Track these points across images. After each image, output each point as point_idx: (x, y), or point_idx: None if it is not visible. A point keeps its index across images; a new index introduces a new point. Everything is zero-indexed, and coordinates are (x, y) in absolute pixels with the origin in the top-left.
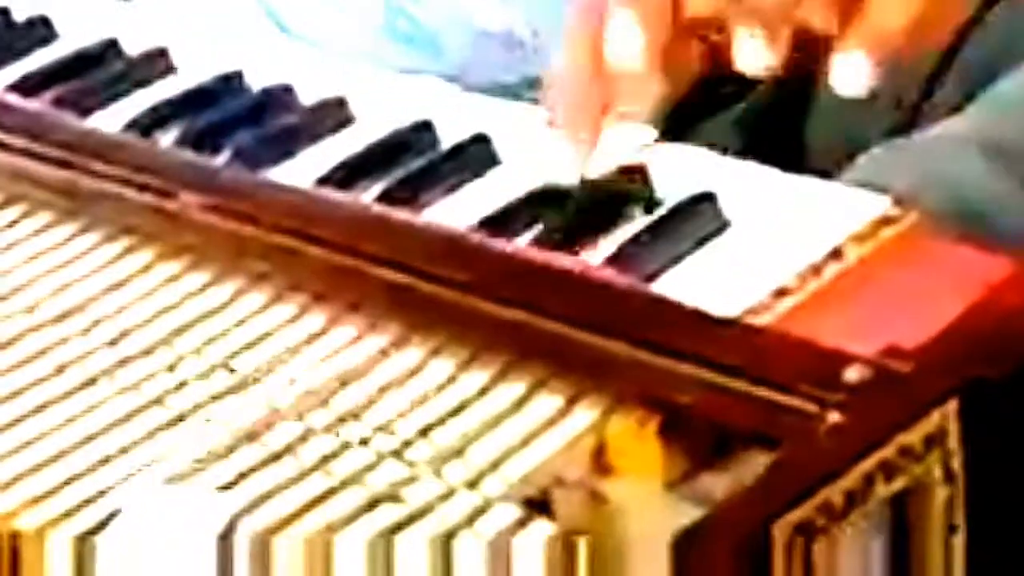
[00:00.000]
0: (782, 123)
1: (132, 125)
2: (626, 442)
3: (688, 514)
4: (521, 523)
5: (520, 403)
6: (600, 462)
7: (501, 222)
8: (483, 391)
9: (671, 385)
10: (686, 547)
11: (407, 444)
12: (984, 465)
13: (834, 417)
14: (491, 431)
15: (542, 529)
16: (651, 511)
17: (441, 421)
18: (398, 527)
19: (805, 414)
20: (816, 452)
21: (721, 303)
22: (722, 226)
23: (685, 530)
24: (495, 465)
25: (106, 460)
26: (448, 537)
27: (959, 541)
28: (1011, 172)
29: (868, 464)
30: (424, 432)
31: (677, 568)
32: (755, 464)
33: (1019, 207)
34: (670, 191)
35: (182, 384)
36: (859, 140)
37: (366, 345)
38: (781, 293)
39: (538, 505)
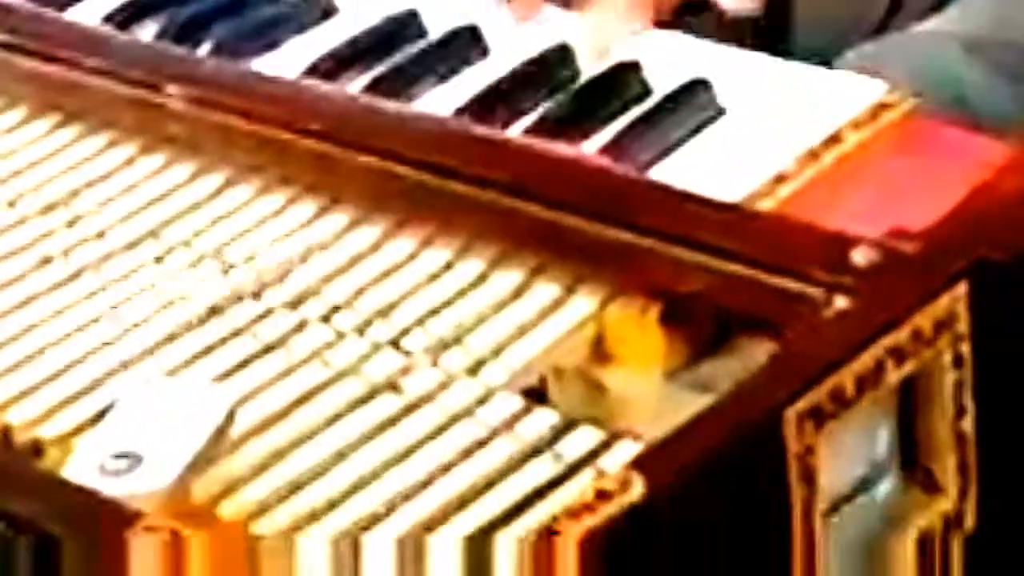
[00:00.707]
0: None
1: (109, 19)
2: (626, 330)
3: (691, 403)
4: (522, 413)
5: (518, 291)
6: (600, 351)
7: (489, 104)
8: (480, 279)
9: (672, 272)
10: (689, 437)
11: (404, 333)
12: (993, 349)
13: (841, 301)
14: (489, 320)
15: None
16: (652, 400)
17: (438, 310)
18: (397, 418)
19: (811, 299)
20: (823, 338)
21: (720, 189)
22: (717, 113)
23: (688, 421)
24: (495, 353)
25: (95, 353)
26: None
27: (968, 424)
28: (990, 64)
29: (878, 348)
30: (420, 321)
31: (682, 456)
32: (760, 351)
33: (999, 96)
34: (664, 80)
35: (170, 276)
36: (843, 41)
37: (358, 236)
38: (781, 179)
39: (536, 394)
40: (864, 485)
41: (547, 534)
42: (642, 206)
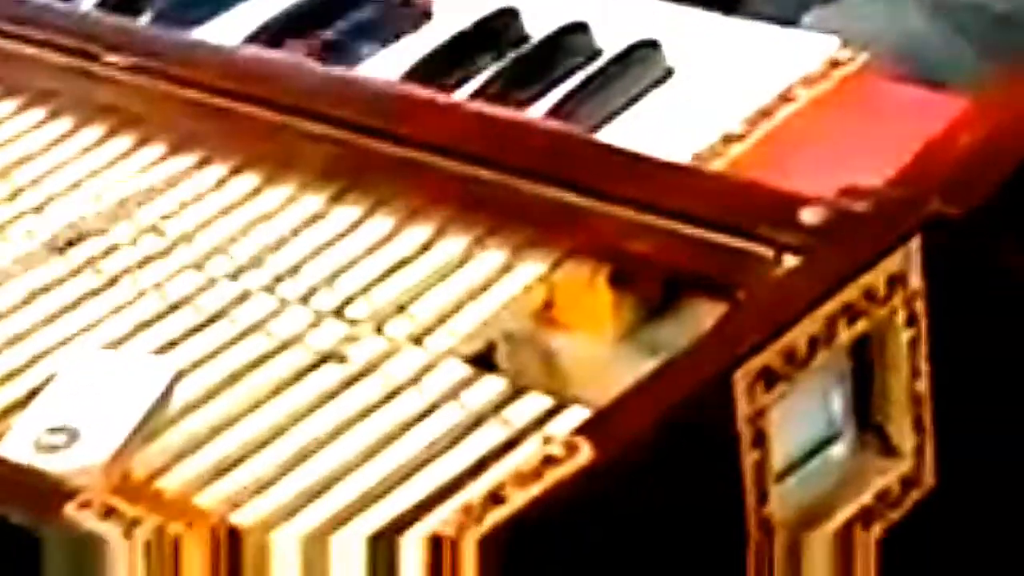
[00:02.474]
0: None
1: None
2: (575, 294)
3: (642, 366)
4: (469, 381)
5: (464, 258)
6: (548, 315)
7: (435, 69)
8: (426, 246)
9: (621, 234)
10: (637, 401)
11: (348, 302)
12: (947, 306)
13: (792, 260)
14: (434, 286)
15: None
16: (603, 364)
17: (382, 278)
18: (341, 388)
19: (761, 259)
20: (773, 297)
21: (669, 150)
22: (666, 73)
23: (635, 384)
24: (440, 321)
25: (38, 327)
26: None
27: (923, 384)
28: (953, 26)
29: (830, 307)
30: (365, 290)
31: (631, 420)
32: (711, 312)
33: (959, 57)
34: (612, 41)
35: (111, 249)
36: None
37: (303, 204)
38: (731, 138)
39: (485, 361)
40: (818, 447)
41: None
42: (590, 168)
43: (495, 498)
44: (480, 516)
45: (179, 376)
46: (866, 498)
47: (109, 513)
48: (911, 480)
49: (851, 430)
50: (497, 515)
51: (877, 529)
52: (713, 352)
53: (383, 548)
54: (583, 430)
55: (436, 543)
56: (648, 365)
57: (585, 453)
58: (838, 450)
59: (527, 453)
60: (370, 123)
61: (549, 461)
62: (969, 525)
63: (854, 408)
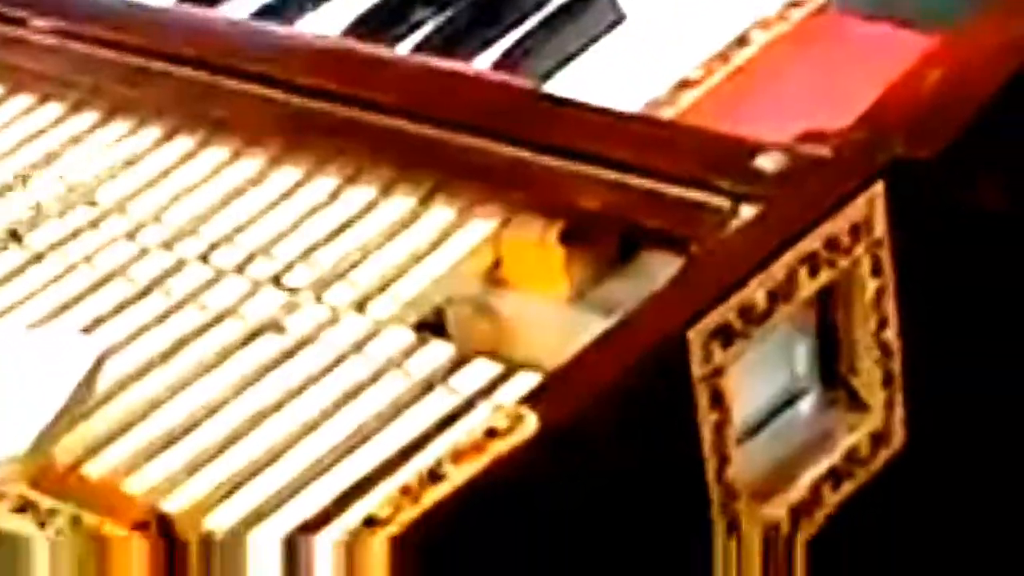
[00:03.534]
0: None
1: None
2: (525, 253)
3: (597, 327)
4: (414, 348)
5: (409, 219)
6: (498, 276)
7: (376, 23)
8: (368, 208)
9: (571, 189)
10: (585, 366)
11: (287, 269)
12: (915, 253)
13: (749, 210)
14: (378, 250)
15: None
16: (555, 326)
17: (323, 243)
18: (280, 360)
19: (717, 210)
20: (731, 249)
21: (621, 99)
22: (618, 19)
23: (583, 349)
24: (383, 286)
25: None
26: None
27: (892, 334)
28: None
29: (790, 259)
30: (305, 256)
31: (578, 387)
32: (668, 267)
33: None
34: None
35: (38, 220)
36: None
37: (240, 168)
38: (684, 85)
39: (431, 327)
40: (783, 405)
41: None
42: (539, 121)
43: (433, 476)
44: (418, 495)
45: (106, 355)
46: (835, 457)
47: (25, 507)
48: (881, 436)
49: (817, 386)
50: (436, 493)
51: (845, 489)
52: (666, 312)
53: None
54: (528, 399)
55: (370, 523)
56: (603, 325)
57: (530, 424)
58: (804, 407)
59: (476, 422)
60: (310, 81)
61: (492, 434)
62: (942, 483)
63: (819, 363)
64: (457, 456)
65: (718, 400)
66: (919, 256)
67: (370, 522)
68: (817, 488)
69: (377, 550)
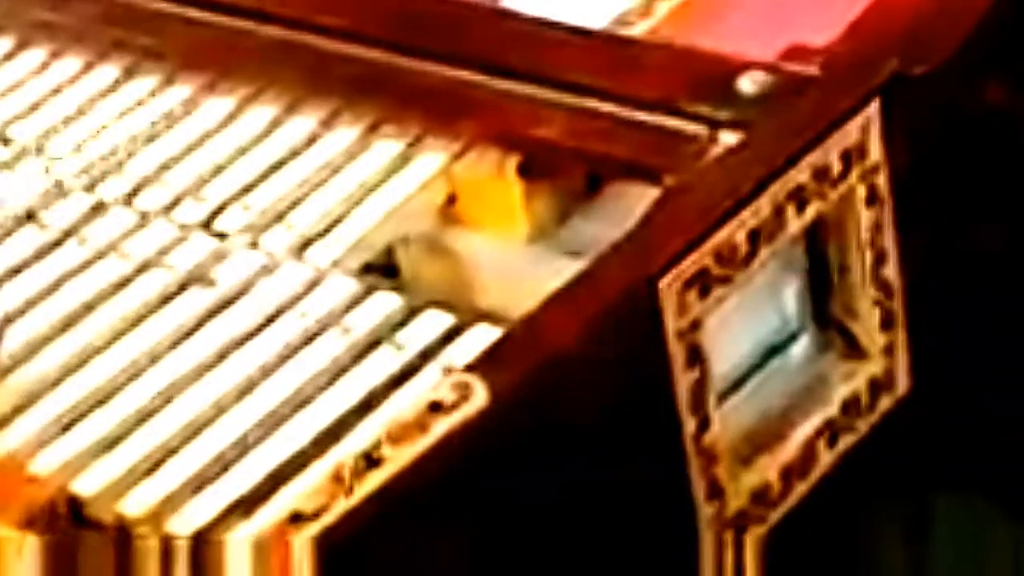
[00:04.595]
0: None
1: None
2: (481, 189)
3: (561, 269)
4: (357, 299)
5: (353, 152)
6: (452, 214)
7: None
8: (309, 141)
9: (530, 116)
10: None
11: (218, 212)
12: (915, 178)
13: (728, 138)
14: (319, 188)
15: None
16: (516, 269)
17: (259, 182)
18: (209, 315)
19: (693, 138)
20: (708, 183)
21: (583, 14)
22: None
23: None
24: (325, 229)
25: None
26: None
27: (891, 271)
28: None
29: (775, 192)
30: (237, 196)
31: (533, 352)
32: (639, 202)
33: None
34: None
35: None
36: None
37: (168, 98)
38: None
39: (381, 269)
40: (770, 353)
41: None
42: (492, 41)
43: (370, 460)
44: (351, 485)
45: (8, 320)
46: (831, 409)
47: None
48: (882, 384)
49: (809, 331)
50: (372, 481)
51: (843, 444)
52: (633, 258)
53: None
54: (477, 366)
55: (295, 519)
56: (568, 266)
57: (479, 395)
58: (794, 354)
59: (421, 389)
60: (244, 2)
61: (436, 408)
62: (951, 434)
63: (811, 305)
64: (396, 436)
65: (696, 357)
66: (920, 183)
67: (295, 518)
68: (811, 445)
69: (300, 551)
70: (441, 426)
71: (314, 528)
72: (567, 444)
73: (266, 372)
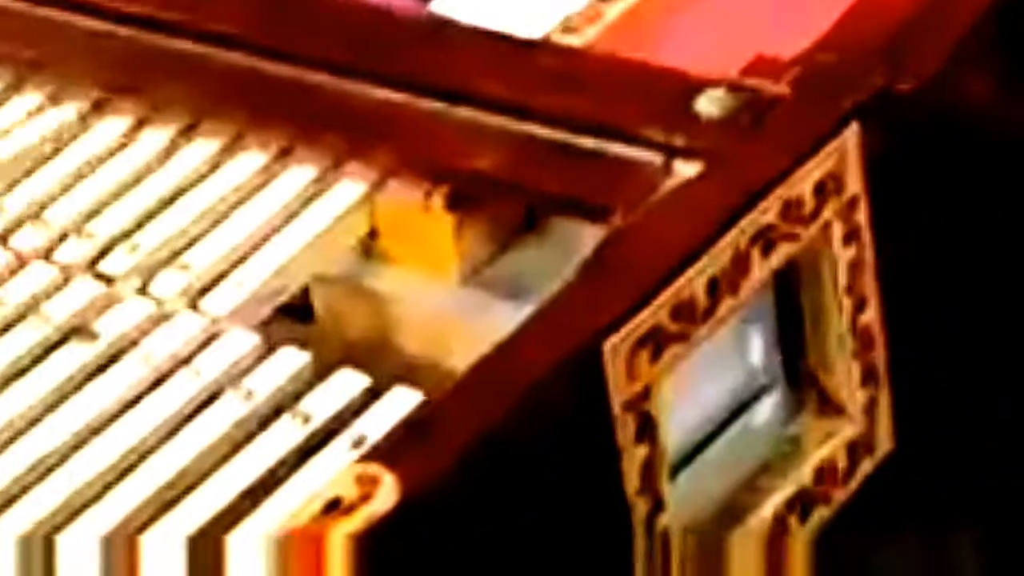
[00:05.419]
0: None
1: None
2: (406, 222)
3: (494, 313)
4: (259, 355)
5: (261, 180)
6: (373, 249)
7: None
8: (210, 168)
9: (460, 142)
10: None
11: (105, 252)
12: (901, 213)
13: (685, 168)
14: (221, 222)
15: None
16: (446, 312)
17: (153, 214)
18: (87, 375)
19: (644, 168)
20: (662, 223)
21: (526, 19)
22: None
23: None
24: (225, 271)
25: None
26: None
27: (872, 317)
28: None
29: (737, 233)
30: (128, 233)
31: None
32: (581, 238)
33: None
34: None
35: None
36: None
37: (52, 117)
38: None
39: (295, 312)
40: (735, 413)
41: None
42: (418, 55)
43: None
44: None
45: None
46: (803, 476)
47: None
48: (862, 446)
49: (778, 388)
50: None
51: (817, 518)
52: (573, 315)
53: None
54: (385, 454)
55: None
56: (504, 309)
57: (386, 492)
58: (761, 415)
59: (332, 462)
60: (139, 11)
61: (333, 508)
62: (935, 498)
63: (781, 359)
64: (278, 547)
65: (646, 429)
66: (905, 218)
67: None
68: (781, 520)
69: None
70: (337, 533)
71: None
72: (495, 546)
73: (151, 444)
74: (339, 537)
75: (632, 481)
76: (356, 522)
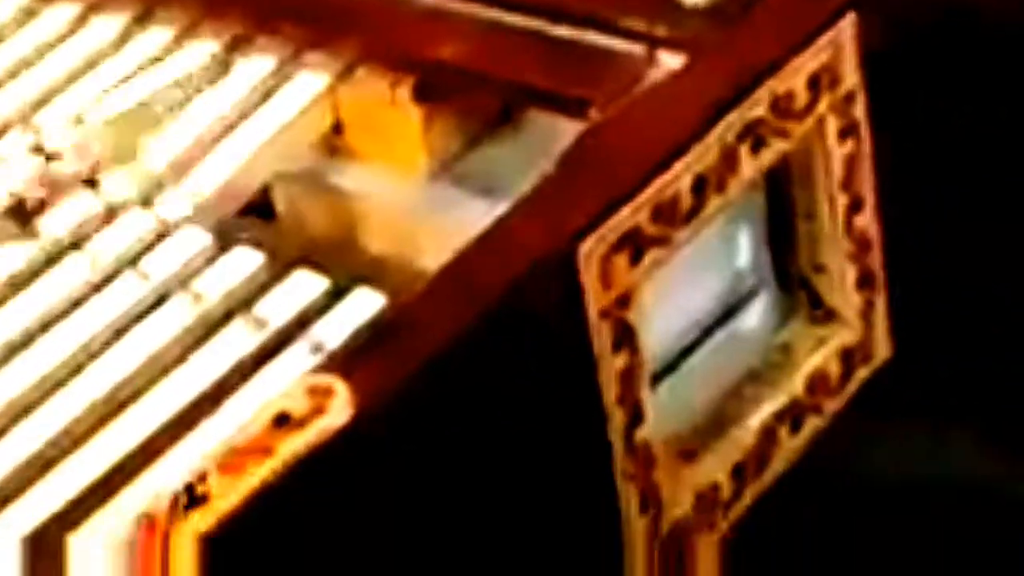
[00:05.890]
0: None
1: None
2: (372, 114)
3: (464, 209)
4: (210, 256)
5: (217, 70)
6: (337, 144)
7: None
8: (163, 55)
9: (428, 31)
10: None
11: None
12: (900, 107)
13: (669, 60)
14: (175, 113)
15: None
16: (413, 210)
17: (99, 103)
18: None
19: (626, 60)
20: (644, 116)
21: None
22: None
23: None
24: (180, 167)
25: None
26: None
27: (868, 218)
28: None
29: (725, 128)
30: (75, 122)
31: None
32: (555, 138)
33: None
34: None
35: None
36: None
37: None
38: None
39: (255, 212)
40: (722, 318)
41: (186, 499)
42: None
43: (192, 498)
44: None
45: None
46: (794, 385)
47: None
48: (857, 353)
49: (767, 291)
50: (188, 531)
51: (810, 429)
52: (547, 215)
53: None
54: (340, 362)
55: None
56: (474, 207)
57: (339, 405)
58: (749, 321)
59: (287, 371)
60: None
61: (282, 423)
62: (935, 407)
63: (771, 261)
64: (229, 464)
65: (624, 337)
66: (904, 113)
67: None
68: (770, 433)
69: None
70: (288, 448)
71: None
72: (461, 465)
73: (95, 349)
74: (285, 454)
75: (610, 392)
76: (308, 436)
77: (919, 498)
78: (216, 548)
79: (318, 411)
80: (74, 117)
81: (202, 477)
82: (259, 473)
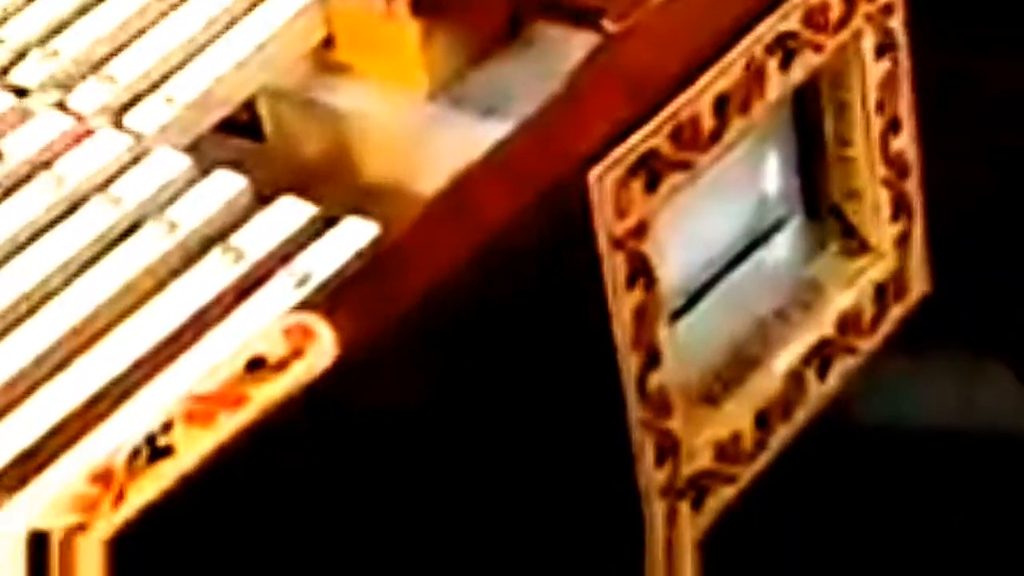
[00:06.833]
0: None
1: None
2: (366, 28)
3: (467, 130)
4: (190, 180)
5: None
6: (328, 59)
7: None
8: None
9: None
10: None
11: (18, 59)
12: (941, 21)
13: None
14: (149, 29)
15: None
16: (411, 132)
17: (72, 19)
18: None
19: None
20: (660, 29)
21: None
22: None
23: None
24: (157, 81)
25: None
26: None
27: (907, 141)
28: None
29: (752, 42)
30: (45, 39)
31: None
32: (568, 47)
33: None
34: None
35: None
36: None
37: None
38: None
39: (242, 130)
40: (747, 249)
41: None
42: None
43: (155, 449)
44: (121, 490)
45: None
46: (825, 325)
47: None
48: (892, 288)
49: (796, 220)
50: (152, 482)
51: (839, 370)
52: (556, 140)
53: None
54: (322, 301)
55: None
56: (477, 129)
57: (321, 348)
58: (776, 252)
59: (264, 309)
60: None
61: (256, 366)
62: (976, 346)
63: (799, 188)
64: (196, 413)
65: (641, 271)
66: (946, 27)
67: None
68: (797, 376)
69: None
70: (263, 395)
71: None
72: (455, 415)
73: (61, 279)
74: (261, 401)
75: (623, 331)
76: (284, 383)
77: (950, 447)
78: (179, 509)
79: (297, 354)
80: (45, 52)
81: (166, 427)
82: (230, 424)
